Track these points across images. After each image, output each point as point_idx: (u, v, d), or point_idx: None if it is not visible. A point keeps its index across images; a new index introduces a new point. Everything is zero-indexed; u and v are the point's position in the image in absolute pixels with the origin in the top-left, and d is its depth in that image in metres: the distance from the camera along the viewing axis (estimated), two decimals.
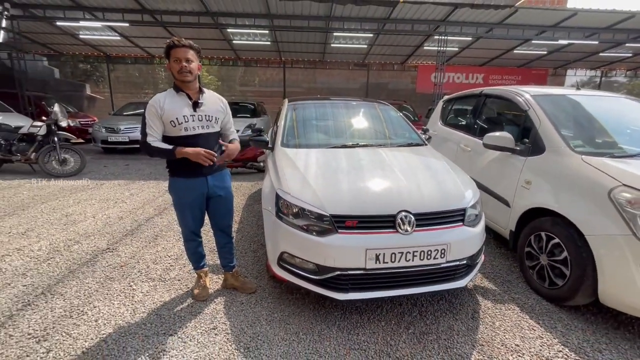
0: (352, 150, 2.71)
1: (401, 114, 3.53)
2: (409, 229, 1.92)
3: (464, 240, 2.03)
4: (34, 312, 2.09)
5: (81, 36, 10.90)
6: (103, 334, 1.92)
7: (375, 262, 1.89)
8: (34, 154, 5.90)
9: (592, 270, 2.03)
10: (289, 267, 2.08)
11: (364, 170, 2.32)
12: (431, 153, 2.86)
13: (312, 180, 2.17)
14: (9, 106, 8.26)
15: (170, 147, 1.97)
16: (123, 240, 3.21)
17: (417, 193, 2.08)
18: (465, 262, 2.07)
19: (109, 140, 8.31)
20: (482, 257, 2.37)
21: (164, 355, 1.77)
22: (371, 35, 10.57)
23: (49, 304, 2.19)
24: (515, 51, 12.25)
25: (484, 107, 3.61)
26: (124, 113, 9.72)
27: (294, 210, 2.04)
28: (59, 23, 9.29)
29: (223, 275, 2.46)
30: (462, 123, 3.97)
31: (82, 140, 9.73)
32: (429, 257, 1.94)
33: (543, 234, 2.38)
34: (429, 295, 2.38)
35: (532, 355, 1.84)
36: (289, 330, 1.99)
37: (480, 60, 13.74)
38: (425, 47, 11.91)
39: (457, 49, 12.22)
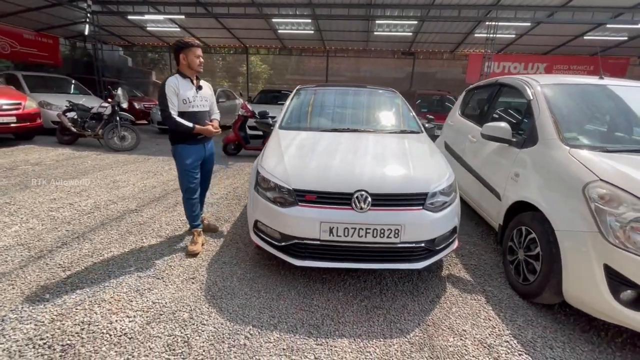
0: (339, 135, 2.85)
1: (405, 103, 3.52)
2: (363, 206, 2.04)
3: (421, 224, 2.08)
4: (67, 250, 2.65)
5: (148, 28, 12.23)
6: (110, 271, 2.38)
7: (329, 235, 2.05)
8: (100, 130, 6.95)
9: (559, 267, 1.95)
10: (260, 234, 2.34)
11: (338, 152, 2.45)
12: (420, 140, 2.87)
13: (287, 158, 2.38)
14: (89, 90, 9.72)
15: (191, 125, 2.53)
16: (149, 205, 3.76)
17: (379, 175, 2.17)
18: (422, 245, 2.12)
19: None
20: (455, 244, 2.39)
21: (148, 292, 2.16)
22: (415, 22, 10.16)
23: (79, 245, 2.74)
24: (585, 37, 10.76)
25: (497, 97, 3.43)
26: None
27: (267, 184, 2.27)
28: (130, 17, 10.54)
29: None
30: (475, 114, 3.80)
31: (145, 122, 11.08)
32: (382, 235, 2.04)
33: (523, 228, 2.30)
34: (398, 276, 2.47)
35: (474, 340, 1.87)
36: (254, 288, 2.26)
37: (543, 48, 12.33)
38: (476, 35, 11.07)
39: (514, 35, 11.12)
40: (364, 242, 2.06)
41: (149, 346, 1.69)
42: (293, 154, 2.44)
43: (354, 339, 1.83)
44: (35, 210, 3.42)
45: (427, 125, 3.34)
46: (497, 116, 3.34)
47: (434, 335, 1.89)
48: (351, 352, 1.74)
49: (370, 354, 1.73)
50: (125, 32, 12.86)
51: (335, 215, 2.04)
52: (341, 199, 2.08)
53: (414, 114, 3.35)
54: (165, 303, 2.05)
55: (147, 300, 2.06)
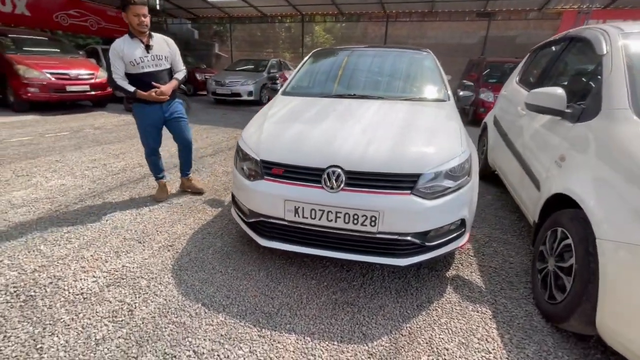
0: (338, 101, 2.46)
1: (437, 66, 2.89)
2: (335, 186, 1.70)
3: (406, 212, 1.66)
4: (81, 206, 2.85)
5: None
6: (104, 229, 2.48)
7: (294, 215, 1.78)
8: None
9: (595, 289, 1.39)
10: (236, 208, 2.17)
11: (325, 121, 2.10)
12: (439, 110, 2.33)
13: (266, 126, 2.12)
14: None
15: (132, 89, 2.56)
16: (170, 170, 3.87)
17: (361, 149, 1.78)
18: (408, 238, 1.72)
19: (217, 92, 9.69)
20: (462, 241, 1.92)
21: (124, 254, 2.18)
22: None
23: (91, 203, 2.92)
24: None
25: (563, 55, 2.60)
26: (236, 68, 11.05)
27: (243, 155, 2.06)
28: None
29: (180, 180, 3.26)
30: (533, 80, 2.98)
31: (205, 92, 11.70)
32: (355, 221, 1.70)
33: (559, 230, 1.72)
34: (389, 270, 2.10)
35: None
36: (224, 263, 2.13)
37: None
38: None
39: None
40: (334, 227, 1.74)
41: (96, 310, 1.68)
42: (274, 122, 2.17)
43: (303, 337, 1.58)
44: (74, 168, 3.78)
45: (461, 93, 2.72)
46: (557, 81, 2.55)
47: (402, 349, 1.54)
48: (293, 351, 1.50)
49: (314, 359, 1.47)
50: (191, 4, 13.39)
51: (301, 194, 1.75)
52: (311, 175, 1.77)
53: (445, 79, 2.74)
54: (133, 268, 2.04)
55: (119, 263, 2.08)
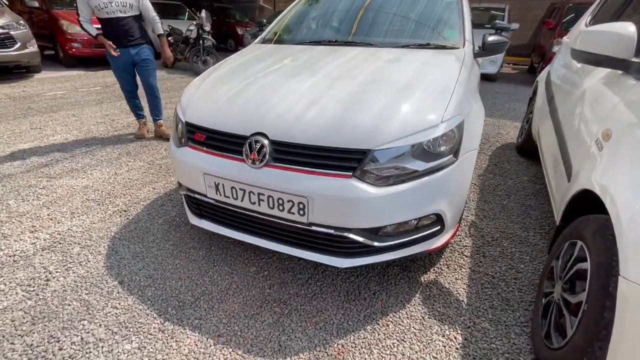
0: (309, 48, 1.97)
1: (460, 4, 2.12)
2: (256, 159, 1.31)
3: (341, 201, 1.22)
4: (68, 162, 2.84)
5: None
6: (74, 188, 2.42)
7: (216, 193, 1.45)
8: (188, 54, 7.38)
9: (604, 351, 0.87)
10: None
11: (271, 75, 1.64)
12: (436, 60, 1.71)
13: (208, 80, 1.74)
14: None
15: (95, 32, 2.87)
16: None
17: (295, 114, 1.33)
18: (349, 235, 1.29)
19: None
20: (437, 244, 1.44)
21: (78, 216, 2.09)
22: None
23: (80, 159, 2.90)
24: None
25: None
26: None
27: (175, 114, 1.74)
28: None
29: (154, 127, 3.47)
30: (606, 19, 2.08)
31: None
32: (280, 208, 1.32)
33: (579, 245, 1.15)
34: (348, 270, 1.71)
35: None
36: (167, 236, 1.93)
37: None
38: None
39: None
40: (259, 212, 1.38)
41: (17, 275, 1.61)
42: (219, 75, 1.78)
43: (206, 339, 1.32)
44: (84, 123, 3.85)
45: (490, 38, 1.99)
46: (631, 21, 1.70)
47: None
48: (186, 354, 1.26)
49: None
50: None
51: (220, 167, 1.39)
52: (232, 144, 1.39)
53: (466, 19, 2.02)
54: (75, 232, 1.94)
55: (67, 225, 2.00)
